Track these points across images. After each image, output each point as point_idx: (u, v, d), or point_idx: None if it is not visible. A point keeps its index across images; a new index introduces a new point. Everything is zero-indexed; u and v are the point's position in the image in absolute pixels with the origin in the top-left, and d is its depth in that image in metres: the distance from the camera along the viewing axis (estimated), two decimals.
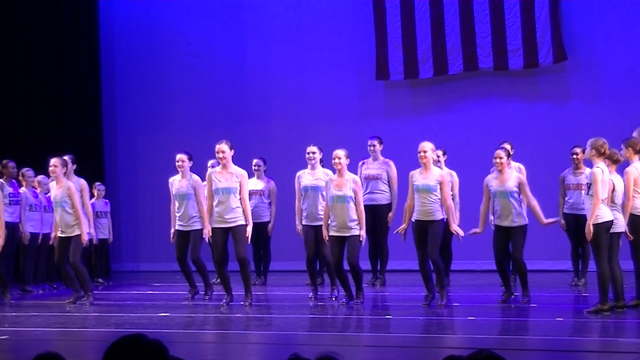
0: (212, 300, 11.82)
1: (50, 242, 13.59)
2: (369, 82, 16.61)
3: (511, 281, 12.46)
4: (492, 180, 11.06)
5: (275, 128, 17.08)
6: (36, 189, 13.88)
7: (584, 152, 11.60)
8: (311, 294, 11.85)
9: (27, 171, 13.82)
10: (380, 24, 16.37)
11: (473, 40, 15.88)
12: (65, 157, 12.27)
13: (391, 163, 13.26)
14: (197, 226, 11.82)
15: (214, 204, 11.03)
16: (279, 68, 17.22)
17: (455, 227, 10.80)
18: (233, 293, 11.22)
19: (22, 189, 13.59)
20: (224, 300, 11.21)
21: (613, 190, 9.84)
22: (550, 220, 11.06)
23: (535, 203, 10.89)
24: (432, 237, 10.66)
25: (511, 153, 12.19)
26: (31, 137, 17.07)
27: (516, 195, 10.86)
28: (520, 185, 10.89)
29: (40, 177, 13.96)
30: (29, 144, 16.92)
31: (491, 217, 12.38)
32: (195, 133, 17.11)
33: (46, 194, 14.02)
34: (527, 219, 10.94)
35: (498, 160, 11.00)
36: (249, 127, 16.96)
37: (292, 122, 16.96)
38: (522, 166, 12.20)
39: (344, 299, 11.17)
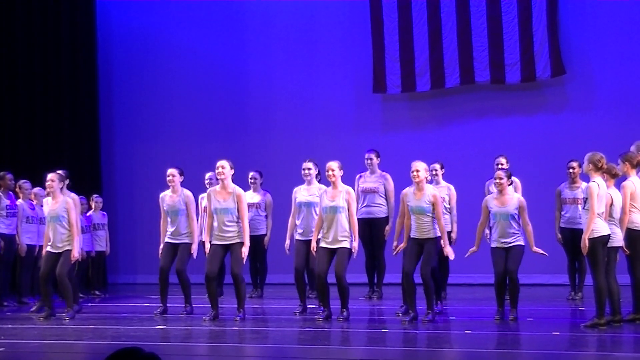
0: (195, 314, 11.77)
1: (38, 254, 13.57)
2: (367, 95, 16.63)
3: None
4: (492, 201, 10.95)
5: (272, 141, 17.09)
6: (33, 201, 13.87)
7: (580, 166, 11.63)
8: (298, 308, 11.81)
9: (25, 183, 13.82)
10: (378, 37, 16.40)
11: (470, 54, 15.91)
12: (61, 172, 12.14)
13: (388, 176, 13.28)
14: (186, 239, 11.82)
15: (213, 223, 11.11)
16: (277, 81, 17.24)
17: (448, 249, 10.77)
18: (224, 307, 11.19)
19: (19, 201, 13.59)
20: (208, 315, 11.16)
21: (611, 204, 9.85)
22: (540, 251, 10.98)
23: (530, 229, 10.79)
24: (427, 254, 10.62)
25: (507, 167, 12.22)
26: (28, 149, 17.06)
27: (516, 217, 10.81)
28: (520, 209, 10.84)
29: (37, 190, 13.96)
30: (27, 156, 16.90)
31: (487, 232, 12.42)
32: (193, 145, 17.14)
33: (42, 206, 14.02)
34: (523, 241, 10.87)
35: (498, 181, 10.91)
36: (247, 140, 16.98)
37: (290, 135, 16.97)
38: (517, 180, 12.19)
39: (321, 315, 11.03)
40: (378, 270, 13.49)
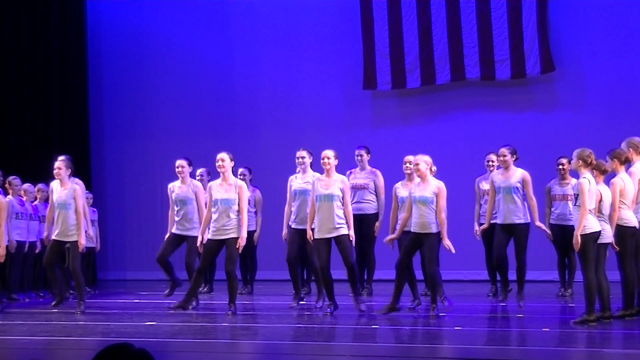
0: (197, 310, 11.81)
1: (37, 247, 13.51)
2: (356, 91, 16.63)
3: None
4: (496, 176, 11.44)
5: (262, 137, 17.08)
6: (22, 197, 13.83)
7: (570, 162, 11.68)
8: (293, 302, 11.85)
9: (14, 179, 13.79)
10: (368, 34, 16.39)
11: (460, 50, 15.93)
12: (65, 158, 12.12)
13: (378, 173, 13.29)
14: (195, 232, 11.79)
15: (212, 215, 11.12)
16: (267, 77, 17.22)
17: (447, 242, 10.71)
18: (215, 303, 11.22)
19: (9, 197, 13.54)
20: (181, 304, 11.33)
21: (600, 200, 9.87)
22: (543, 227, 11.19)
23: (534, 203, 11.15)
24: (429, 251, 10.62)
25: (498, 164, 12.26)
26: (18, 145, 17.01)
27: (520, 190, 11.06)
28: (523, 182, 11.13)
29: (26, 186, 13.92)
30: (16, 152, 16.85)
31: (476, 228, 12.51)
32: (182, 141, 17.10)
33: (32, 202, 13.99)
34: (529, 218, 11.08)
35: (502, 158, 11.43)
36: (236, 136, 16.95)
37: (279, 132, 16.96)
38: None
39: (328, 309, 11.13)
40: (368, 266, 13.50)
